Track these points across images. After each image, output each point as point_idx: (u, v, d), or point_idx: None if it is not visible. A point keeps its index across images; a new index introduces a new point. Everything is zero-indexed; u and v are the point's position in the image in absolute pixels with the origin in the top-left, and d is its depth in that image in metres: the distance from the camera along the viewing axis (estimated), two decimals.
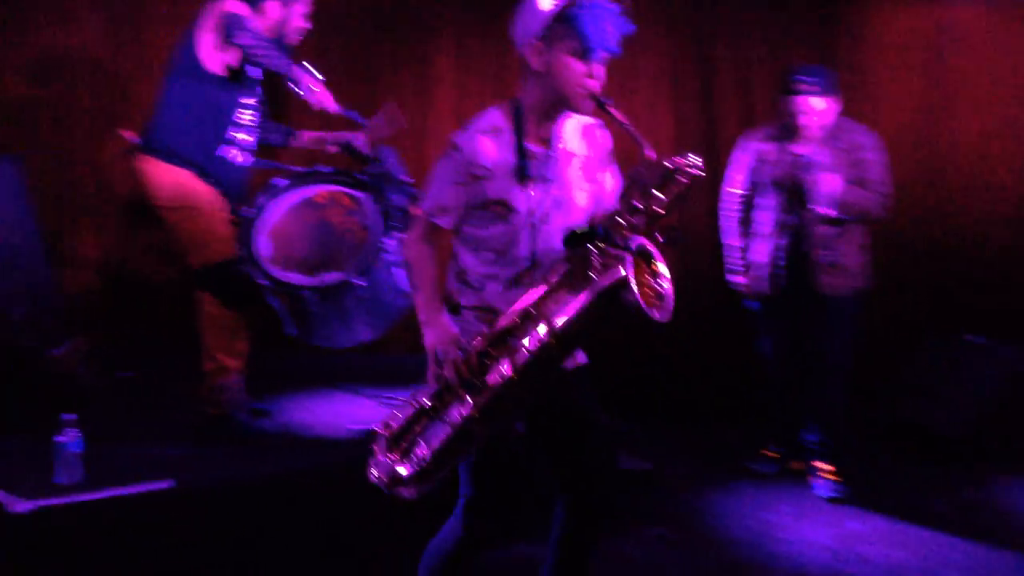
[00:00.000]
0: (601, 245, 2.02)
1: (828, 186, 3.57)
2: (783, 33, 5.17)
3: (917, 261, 5.12)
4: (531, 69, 2.14)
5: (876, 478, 3.95)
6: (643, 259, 2.04)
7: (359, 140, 3.54)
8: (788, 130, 3.76)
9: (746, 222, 3.90)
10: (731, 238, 3.94)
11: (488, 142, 2.16)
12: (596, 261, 2.01)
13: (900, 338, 4.96)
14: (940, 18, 5.10)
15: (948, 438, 4.27)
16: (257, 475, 3.08)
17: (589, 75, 2.11)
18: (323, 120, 3.56)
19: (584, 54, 2.09)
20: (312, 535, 3.06)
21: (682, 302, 2.11)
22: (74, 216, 4.76)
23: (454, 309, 2.23)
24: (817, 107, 3.66)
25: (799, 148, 3.70)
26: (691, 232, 4.73)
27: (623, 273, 1.94)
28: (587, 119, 2.27)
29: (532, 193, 2.18)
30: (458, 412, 2.07)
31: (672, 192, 2.08)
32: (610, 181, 2.32)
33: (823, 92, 3.66)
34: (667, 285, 2.06)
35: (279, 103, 3.92)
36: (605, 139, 2.32)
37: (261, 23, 3.28)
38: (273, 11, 3.33)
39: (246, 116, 3.40)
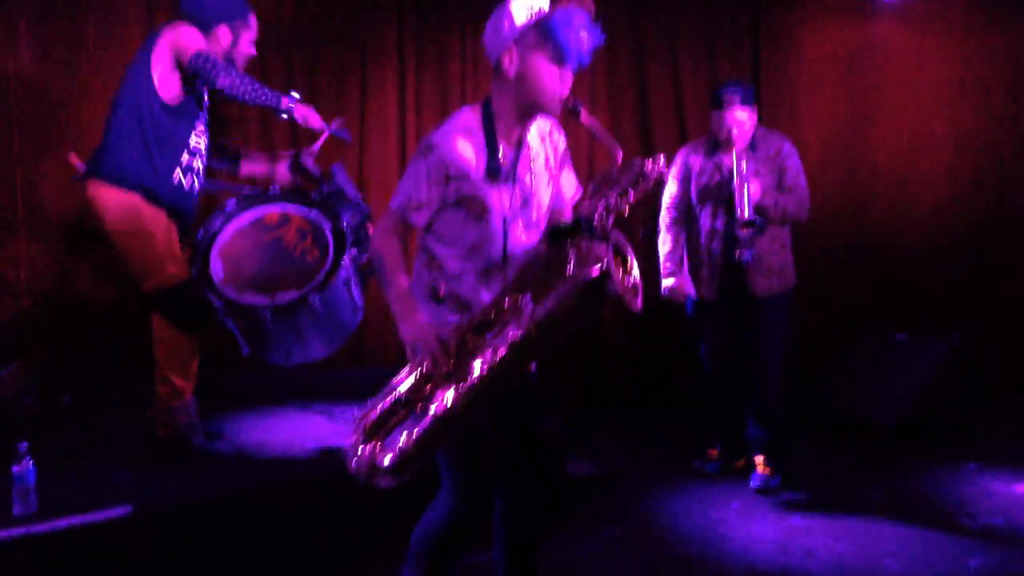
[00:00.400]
0: (585, 238, 2.10)
1: (751, 193, 3.74)
2: (711, 50, 5.37)
3: (845, 263, 5.34)
4: (504, 74, 2.22)
5: (814, 469, 4.09)
6: (616, 253, 2.13)
7: (308, 158, 3.60)
8: (716, 142, 3.92)
9: (679, 230, 4.04)
10: (664, 245, 4.07)
11: (463, 142, 2.24)
12: (575, 255, 2.08)
13: (831, 336, 5.18)
14: (861, 34, 5.34)
15: (880, 427, 4.47)
16: (216, 496, 3.07)
17: (561, 80, 2.20)
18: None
19: (558, 61, 2.18)
20: (272, 554, 3.07)
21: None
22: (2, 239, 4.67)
23: (436, 298, 2.28)
24: (740, 118, 3.83)
25: (726, 158, 3.85)
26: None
27: (606, 266, 2.02)
28: (543, 122, 2.36)
29: (504, 192, 2.26)
30: (439, 401, 2.12)
31: (640, 191, 2.19)
32: (569, 180, 2.42)
33: (744, 103, 3.83)
34: (637, 276, 2.16)
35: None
36: (560, 140, 2.42)
37: (213, 49, 3.31)
38: (224, 37, 3.36)
39: (197, 140, 3.41)
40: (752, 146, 3.87)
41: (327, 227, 3.43)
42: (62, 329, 4.68)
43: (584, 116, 2.20)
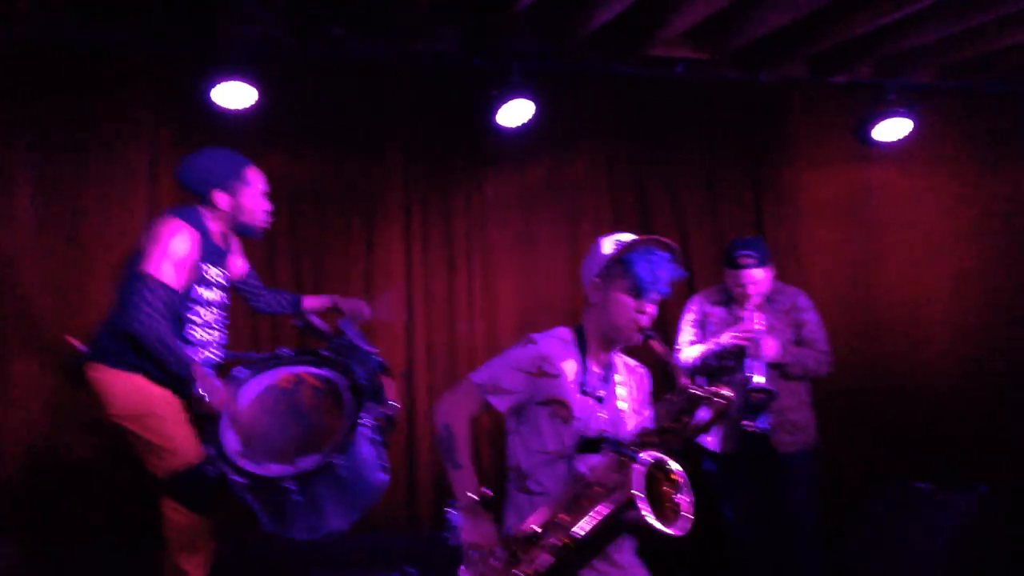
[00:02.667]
0: (618, 454, 2.20)
1: (768, 351, 3.67)
2: (714, 203, 5.45)
3: (857, 411, 5.26)
4: (591, 301, 2.44)
5: None
6: (662, 473, 2.19)
7: (314, 316, 3.63)
8: (731, 297, 3.89)
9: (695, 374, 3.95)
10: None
11: (560, 348, 2.39)
12: (616, 478, 2.18)
13: (847, 487, 5.04)
14: (862, 179, 5.45)
15: None
16: None
17: (639, 311, 2.37)
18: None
19: (636, 293, 2.36)
20: None
21: None
22: None
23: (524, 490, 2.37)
24: (758, 277, 3.81)
25: (745, 315, 3.81)
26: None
27: (633, 491, 2.08)
28: (630, 360, 2.57)
29: (589, 405, 2.38)
30: None
31: (710, 413, 2.29)
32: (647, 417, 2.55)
33: (761, 263, 3.82)
34: (686, 499, 2.18)
35: None
36: (646, 380, 2.60)
37: (216, 219, 3.29)
38: (222, 201, 3.30)
39: (205, 314, 3.30)
40: (768, 300, 3.85)
41: (343, 384, 3.30)
42: (52, 499, 4.42)
43: (657, 345, 2.39)
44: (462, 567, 2.23)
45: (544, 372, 2.34)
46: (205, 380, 3.10)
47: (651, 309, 2.40)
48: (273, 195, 3.59)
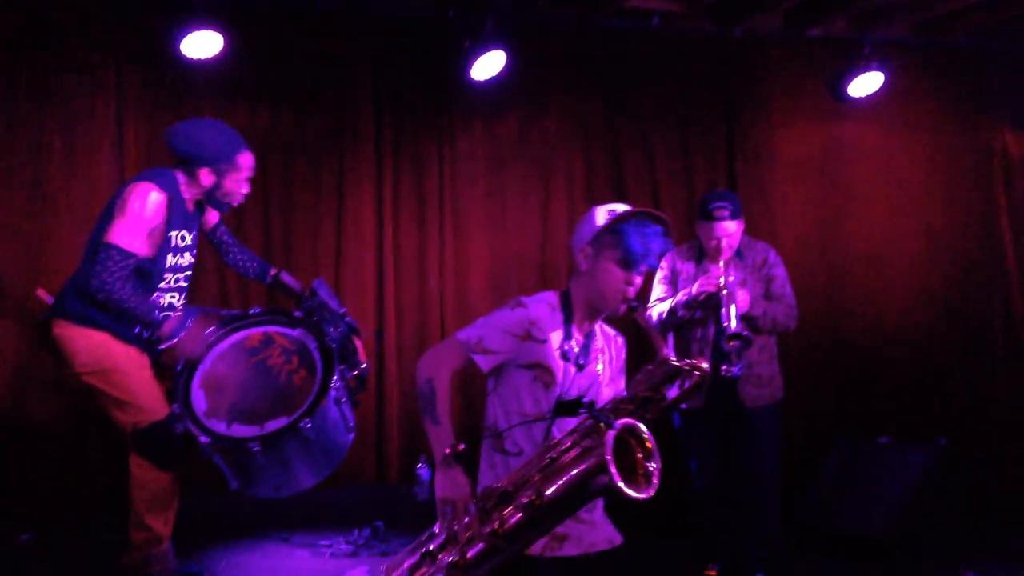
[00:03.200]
0: (593, 419, 2.20)
1: (739, 304, 3.71)
2: (688, 156, 5.43)
3: (821, 363, 5.34)
4: (580, 269, 2.45)
5: None
6: (636, 439, 2.19)
7: (286, 274, 3.64)
8: (702, 250, 3.91)
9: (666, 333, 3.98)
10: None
11: (548, 314, 2.42)
12: (589, 443, 2.17)
13: (810, 441, 5.12)
14: (833, 135, 5.45)
15: (871, 537, 4.38)
16: None
17: (627, 283, 2.40)
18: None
19: (626, 264, 2.38)
20: None
21: None
22: None
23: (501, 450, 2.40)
24: (731, 230, 3.82)
25: (713, 267, 3.83)
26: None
27: (605, 456, 2.09)
28: (609, 328, 2.59)
29: (569, 372, 2.40)
30: (458, 556, 2.17)
31: (685, 387, 2.33)
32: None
33: (734, 215, 3.83)
34: (655, 466, 2.19)
35: None
36: (622, 350, 2.62)
37: (192, 189, 3.28)
38: (206, 179, 3.29)
39: (172, 280, 3.29)
40: (739, 255, 3.87)
41: (313, 345, 3.29)
42: (14, 457, 4.39)
43: (641, 318, 2.42)
44: (435, 525, 2.24)
45: (531, 336, 2.37)
46: (174, 335, 3.12)
47: (638, 281, 2.41)
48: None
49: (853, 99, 5.19)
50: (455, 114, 5.23)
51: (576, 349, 2.43)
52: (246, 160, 3.35)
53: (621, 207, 2.48)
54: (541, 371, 2.37)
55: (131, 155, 4.62)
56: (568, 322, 2.43)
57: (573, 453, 2.18)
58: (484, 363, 2.35)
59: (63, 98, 4.54)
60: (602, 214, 2.46)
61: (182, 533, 3.44)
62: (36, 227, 4.47)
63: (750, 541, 3.91)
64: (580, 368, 2.44)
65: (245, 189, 3.39)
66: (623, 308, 2.43)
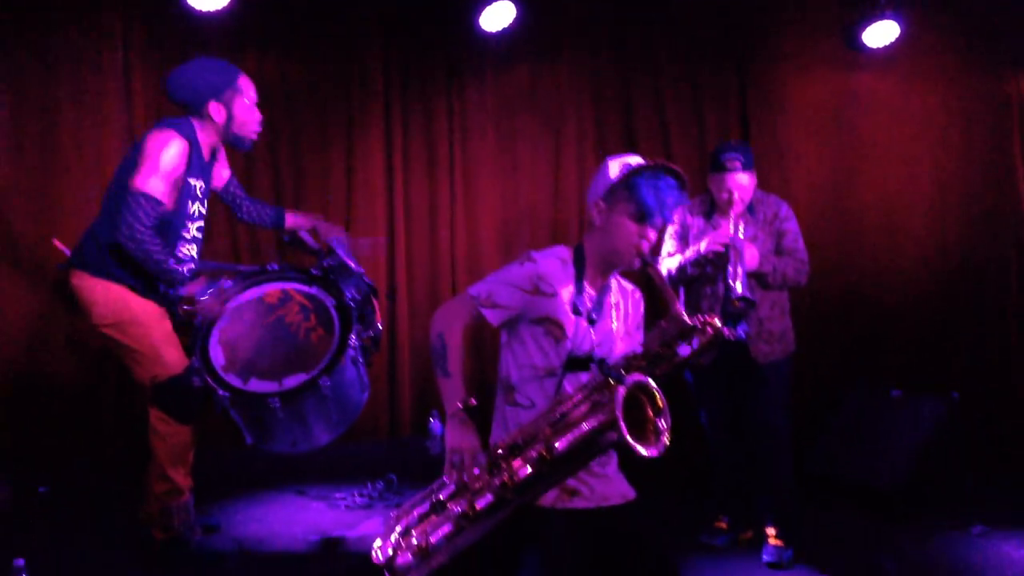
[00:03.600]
0: (604, 374, 2.24)
1: (749, 260, 3.68)
2: (699, 105, 5.36)
3: (833, 318, 5.32)
4: (594, 223, 2.43)
5: (821, 539, 4.01)
6: (647, 396, 2.22)
7: (305, 232, 3.63)
8: (713, 203, 3.87)
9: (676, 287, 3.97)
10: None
11: (558, 268, 2.40)
12: (600, 398, 2.21)
13: (821, 393, 5.14)
14: (846, 84, 5.36)
15: (880, 490, 4.41)
16: None
17: (641, 236, 2.38)
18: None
19: (640, 218, 2.37)
20: None
21: None
22: None
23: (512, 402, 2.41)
24: (743, 182, 3.77)
25: (724, 222, 3.80)
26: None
27: (615, 412, 2.11)
28: (627, 282, 2.58)
29: (581, 327, 2.38)
30: (468, 507, 2.20)
31: (695, 346, 2.34)
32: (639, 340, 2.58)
33: (746, 167, 3.78)
34: (665, 423, 2.22)
35: None
36: (640, 303, 2.61)
37: (209, 131, 3.23)
38: (218, 114, 3.23)
39: (193, 229, 3.27)
40: (750, 209, 3.83)
41: (330, 303, 3.29)
42: (28, 408, 4.44)
43: (655, 273, 2.39)
44: (443, 475, 2.25)
45: (540, 291, 2.35)
46: (194, 291, 3.13)
47: (652, 235, 2.39)
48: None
49: (868, 49, 5.11)
50: (465, 65, 5.17)
51: (588, 304, 2.42)
52: (247, 82, 3.30)
53: (634, 159, 2.45)
54: (552, 325, 2.36)
55: (139, 108, 4.61)
56: (580, 277, 2.41)
57: (584, 408, 2.21)
58: (493, 317, 2.35)
59: (69, 52, 4.52)
60: (615, 167, 2.43)
61: (198, 486, 3.46)
62: (47, 182, 4.47)
63: (760, 493, 3.93)
64: (592, 322, 2.42)
65: (258, 116, 3.34)
66: (637, 263, 2.41)
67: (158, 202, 3.05)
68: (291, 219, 3.63)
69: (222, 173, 3.57)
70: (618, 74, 5.32)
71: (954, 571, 3.68)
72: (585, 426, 2.16)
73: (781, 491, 3.88)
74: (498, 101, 5.25)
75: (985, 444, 4.88)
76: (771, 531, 3.86)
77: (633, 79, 5.33)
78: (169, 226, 3.15)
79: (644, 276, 2.46)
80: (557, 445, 2.16)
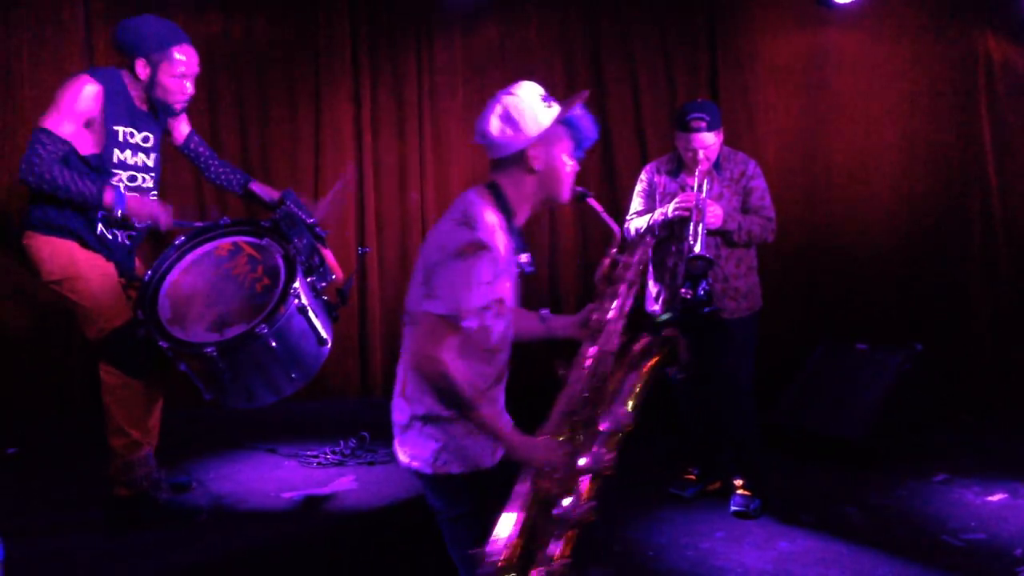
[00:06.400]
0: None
1: (712, 219, 3.70)
2: (669, 63, 5.34)
3: (801, 274, 5.37)
4: (527, 166, 2.34)
5: (787, 489, 4.08)
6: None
7: (257, 185, 3.60)
8: (680, 162, 3.88)
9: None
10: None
11: (500, 237, 2.29)
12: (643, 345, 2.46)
13: (788, 347, 5.18)
14: (816, 42, 5.36)
15: (845, 440, 4.48)
16: (194, 565, 2.87)
17: (573, 169, 2.40)
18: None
19: (574, 152, 2.39)
20: None
21: None
22: None
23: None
24: (708, 141, 3.78)
25: (690, 180, 3.81)
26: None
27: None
28: None
29: (515, 273, 2.36)
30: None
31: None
32: None
33: (712, 127, 3.79)
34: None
35: None
36: None
37: (136, 86, 3.22)
38: (141, 70, 3.21)
39: (127, 178, 3.24)
40: (716, 167, 3.84)
41: (277, 253, 3.26)
42: None
43: (595, 202, 2.46)
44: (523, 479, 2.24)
45: (498, 274, 2.25)
46: (124, 199, 3.10)
47: (577, 166, 2.42)
48: (211, 57, 3.45)
49: (837, 5, 5.09)
50: (433, 23, 5.11)
51: (524, 258, 2.38)
52: (182, 53, 3.23)
53: (535, 89, 2.37)
54: (497, 303, 2.27)
55: (101, 64, 4.51)
56: (514, 233, 2.34)
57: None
58: (473, 325, 2.22)
59: (29, 6, 4.41)
60: (541, 109, 2.32)
61: (169, 446, 3.47)
62: (6, 141, 4.39)
63: (727, 445, 3.99)
64: (522, 271, 2.39)
65: (186, 89, 3.28)
66: (571, 196, 2.44)
67: (62, 140, 3.04)
68: (256, 188, 3.59)
69: (180, 128, 3.54)
70: (587, 32, 5.29)
71: (917, 518, 3.77)
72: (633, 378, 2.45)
73: (748, 443, 3.95)
74: (467, 59, 5.20)
75: (948, 394, 4.96)
76: (738, 482, 3.93)
77: (602, 37, 5.30)
78: (95, 172, 3.13)
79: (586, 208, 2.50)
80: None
